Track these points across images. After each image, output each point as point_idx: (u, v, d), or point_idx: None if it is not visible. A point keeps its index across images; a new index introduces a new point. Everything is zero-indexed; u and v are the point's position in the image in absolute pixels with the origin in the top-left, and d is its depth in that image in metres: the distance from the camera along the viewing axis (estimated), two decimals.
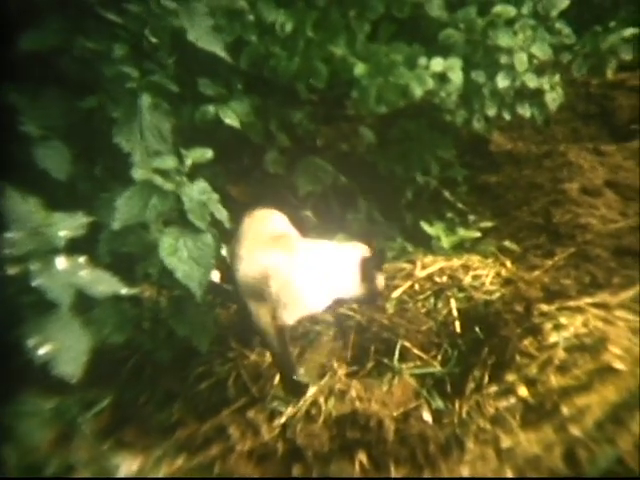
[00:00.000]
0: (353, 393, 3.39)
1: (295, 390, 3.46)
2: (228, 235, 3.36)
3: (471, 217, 4.72)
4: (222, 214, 3.15)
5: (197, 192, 3.03)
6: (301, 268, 3.49)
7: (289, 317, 3.47)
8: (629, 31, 4.97)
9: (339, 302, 3.75)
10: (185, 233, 3.02)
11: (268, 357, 3.65)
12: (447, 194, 4.95)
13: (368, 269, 3.67)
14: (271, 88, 4.45)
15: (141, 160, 3.10)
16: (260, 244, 3.54)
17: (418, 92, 4.07)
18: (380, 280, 3.74)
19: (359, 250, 3.72)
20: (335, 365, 3.61)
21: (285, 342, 3.48)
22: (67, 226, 2.70)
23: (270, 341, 3.48)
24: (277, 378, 3.55)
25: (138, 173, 2.99)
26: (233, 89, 4.10)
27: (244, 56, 4.12)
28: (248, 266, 3.47)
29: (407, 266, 4.17)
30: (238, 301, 3.69)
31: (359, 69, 4.05)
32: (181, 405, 3.50)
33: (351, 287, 3.67)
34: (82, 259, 2.73)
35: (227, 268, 3.69)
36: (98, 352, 2.80)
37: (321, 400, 3.36)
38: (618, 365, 3.04)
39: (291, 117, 4.67)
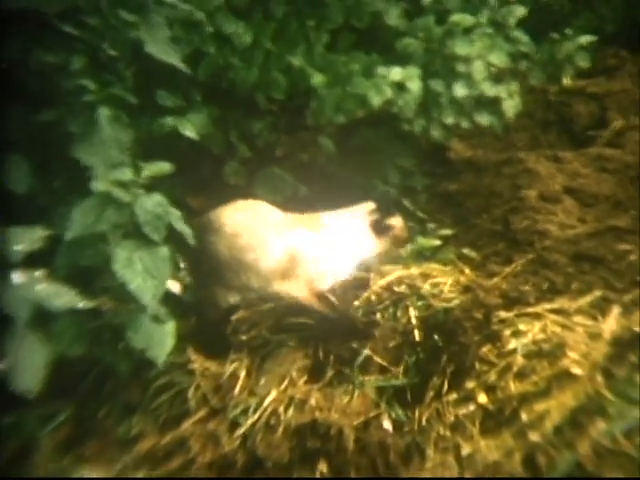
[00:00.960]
0: (313, 402, 3.43)
1: (364, 335, 3.71)
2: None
3: (431, 225, 4.72)
4: (180, 226, 3.17)
5: (153, 205, 3.05)
6: (325, 241, 4.04)
7: (322, 286, 4.01)
8: (585, 38, 5.03)
9: (365, 262, 4.17)
10: (140, 246, 3.04)
11: (228, 368, 3.69)
12: (407, 203, 4.97)
13: (379, 224, 4.19)
14: (231, 99, 4.45)
15: (100, 173, 3.10)
16: (280, 227, 3.98)
17: (376, 101, 4.11)
18: (397, 223, 4.28)
19: (363, 210, 4.22)
20: (295, 375, 3.63)
21: (332, 303, 3.94)
22: (24, 240, 2.71)
23: (317, 309, 3.92)
24: (238, 388, 3.58)
25: (97, 185, 2.99)
26: (192, 100, 4.12)
27: (202, 67, 4.14)
28: (272, 250, 3.90)
29: (365, 275, 4.15)
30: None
31: (317, 79, 4.09)
32: (141, 418, 3.49)
33: (371, 245, 4.19)
34: (39, 273, 2.74)
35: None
36: (57, 366, 2.81)
37: (281, 410, 3.40)
38: (576, 370, 3.08)
39: (251, 128, 4.68)
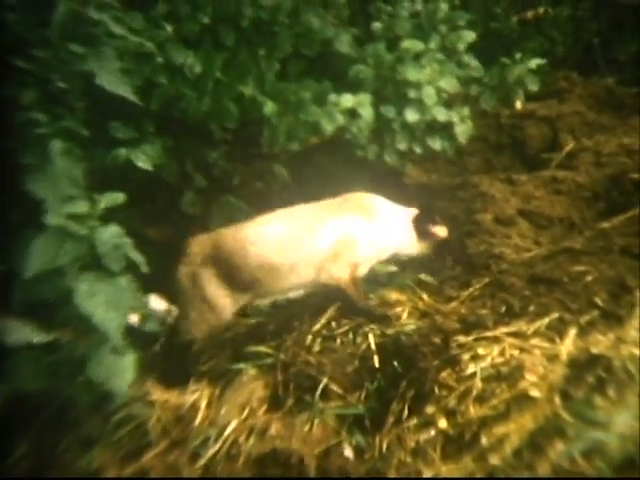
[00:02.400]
0: (273, 431, 3.46)
1: (383, 320, 3.98)
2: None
3: None
4: (137, 257, 3.19)
5: (110, 236, 3.07)
6: (374, 230, 4.25)
7: (362, 271, 4.29)
8: (535, 62, 5.13)
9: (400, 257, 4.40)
10: (100, 278, 3.06)
11: (188, 398, 3.72)
12: None
13: (422, 227, 4.36)
14: (185, 129, 4.51)
15: (54, 206, 3.12)
16: (326, 213, 4.27)
17: (329, 129, 4.17)
18: (440, 232, 4.43)
19: (410, 212, 4.40)
20: (255, 404, 3.65)
21: (360, 291, 4.19)
22: None
23: (347, 293, 4.18)
24: (199, 419, 3.61)
25: (51, 219, 3.01)
26: (145, 132, 4.15)
27: (154, 98, 4.18)
28: (321, 236, 4.21)
29: (324, 304, 4.18)
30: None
31: (268, 108, 4.14)
32: (102, 451, 3.50)
33: (412, 245, 4.43)
34: None
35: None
36: (15, 400, 2.82)
37: (241, 440, 3.42)
38: (534, 393, 3.09)
39: (206, 157, 4.75)
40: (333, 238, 4.21)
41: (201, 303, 4.22)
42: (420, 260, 4.53)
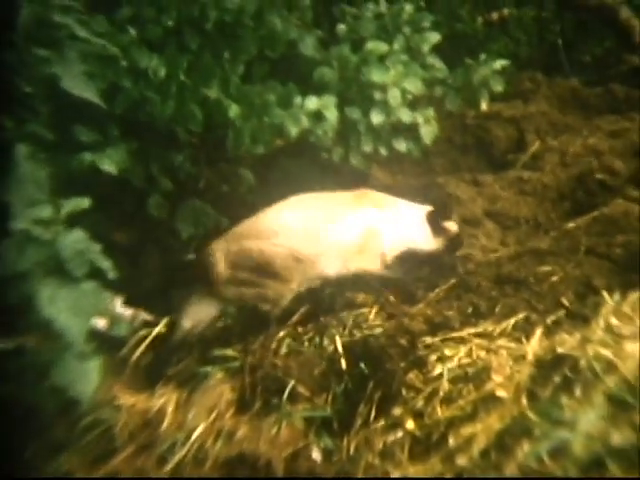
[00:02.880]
0: (241, 434, 3.46)
1: (410, 299, 4.17)
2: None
3: None
4: (103, 262, 3.19)
5: (74, 241, 3.07)
6: (390, 222, 4.33)
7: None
8: (499, 63, 5.17)
9: (414, 255, 4.43)
10: (64, 283, 3.05)
11: (156, 402, 3.71)
12: None
13: (437, 223, 4.39)
14: (150, 132, 4.50)
15: (19, 210, 3.11)
16: (347, 205, 4.30)
17: (293, 131, 4.18)
18: (452, 228, 4.44)
19: (424, 209, 4.45)
20: (223, 407, 3.65)
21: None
22: None
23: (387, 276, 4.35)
24: (166, 423, 3.59)
25: (16, 224, 3.01)
26: (110, 135, 4.14)
27: (119, 102, 4.18)
28: (345, 229, 4.25)
29: (291, 305, 4.21)
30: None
31: (233, 111, 4.14)
32: (69, 456, 3.47)
33: (426, 240, 4.42)
34: None
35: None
36: None
37: (208, 443, 3.42)
38: (501, 393, 3.09)
39: (172, 160, 4.71)
40: (359, 230, 4.26)
41: (257, 286, 4.21)
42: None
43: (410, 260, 4.42)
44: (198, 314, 4.24)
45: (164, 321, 4.24)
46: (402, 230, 4.40)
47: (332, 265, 4.23)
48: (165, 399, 3.73)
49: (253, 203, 4.86)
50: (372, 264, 4.31)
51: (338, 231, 4.22)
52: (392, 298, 4.20)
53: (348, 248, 4.23)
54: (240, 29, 4.41)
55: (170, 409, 3.67)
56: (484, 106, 5.21)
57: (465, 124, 6.03)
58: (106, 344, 3.78)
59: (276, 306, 4.19)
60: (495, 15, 8.84)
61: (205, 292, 4.22)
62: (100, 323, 3.75)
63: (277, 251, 4.11)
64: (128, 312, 4.27)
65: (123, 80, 4.17)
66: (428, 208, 4.46)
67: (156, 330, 4.18)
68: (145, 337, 4.14)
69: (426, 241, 4.44)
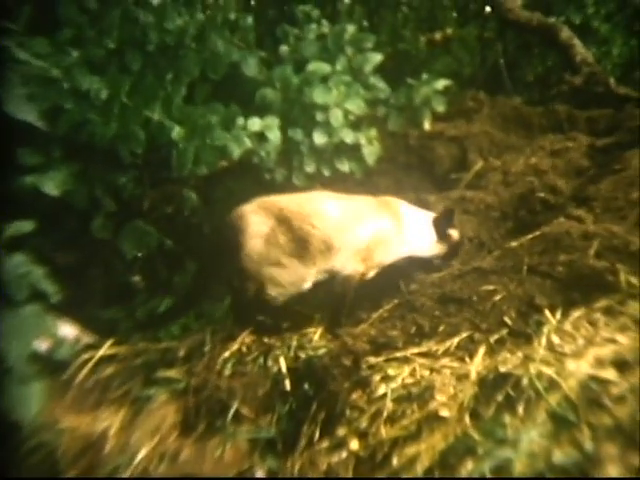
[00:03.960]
0: (185, 456, 3.47)
1: (339, 325, 4.16)
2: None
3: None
4: (46, 285, 3.19)
5: (15, 265, 3.07)
6: (399, 232, 4.39)
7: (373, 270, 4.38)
8: (441, 83, 5.23)
9: (416, 259, 4.51)
10: (4, 307, 3.05)
11: (99, 426, 3.68)
12: None
13: (442, 230, 4.51)
14: (93, 154, 4.47)
15: None
16: (368, 208, 4.38)
17: (236, 152, 4.21)
18: (454, 235, 4.57)
19: (430, 214, 4.58)
20: (167, 429, 3.65)
21: (352, 289, 4.28)
22: None
23: (344, 288, 4.28)
24: (109, 446, 3.58)
25: None
26: (52, 157, 4.13)
27: (61, 123, 4.17)
28: (363, 229, 4.30)
29: (235, 328, 4.22)
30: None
31: (176, 132, 4.15)
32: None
33: (432, 245, 4.52)
34: None
35: None
36: None
37: (152, 466, 3.43)
38: (444, 412, 3.14)
39: (116, 181, 4.70)
40: (369, 234, 4.33)
41: (280, 267, 4.21)
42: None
43: (411, 265, 4.54)
44: None
45: (107, 343, 4.21)
46: (410, 238, 4.48)
47: (344, 262, 4.29)
48: (108, 422, 3.72)
49: (197, 224, 4.87)
50: (363, 268, 4.35)
51: (359, 233, 4.30)
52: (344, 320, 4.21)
53: (357, 249, 4.30)
54: (182, 51, 4.44)
55: (113, 432, 3.66)
56: (427, 126, 5.27)
57: (408, 144, 6.07)
58: (49, 367, 3.78)
59: (283, 294, 4.21)
60: (438, 35, 8.96)
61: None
62: (43, 346, 3.74)
63: (314, 233, 4.18)
64: (72, 334, 4.25)
65: (65, 102, 4.16)
66: (435, 214, 4.62)
67: (100, 352, 4.15)
68: (89, 360, 4.11)
69: (430, 247, 4.56)
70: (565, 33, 7.89)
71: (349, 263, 4.27)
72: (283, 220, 4.14)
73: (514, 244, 4.43)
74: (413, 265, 4.51)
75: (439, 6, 9.45)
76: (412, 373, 3.47)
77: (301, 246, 4.14)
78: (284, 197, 4.27)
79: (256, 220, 4.15)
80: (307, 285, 4.23)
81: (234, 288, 4.22)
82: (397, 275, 4.46)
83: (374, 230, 4.31)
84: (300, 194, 4.37)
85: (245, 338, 4.14)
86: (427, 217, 4.58)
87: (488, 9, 8.91)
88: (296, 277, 4.17)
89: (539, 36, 8.32)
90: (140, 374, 4.03)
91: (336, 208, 4.27)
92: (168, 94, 4.30)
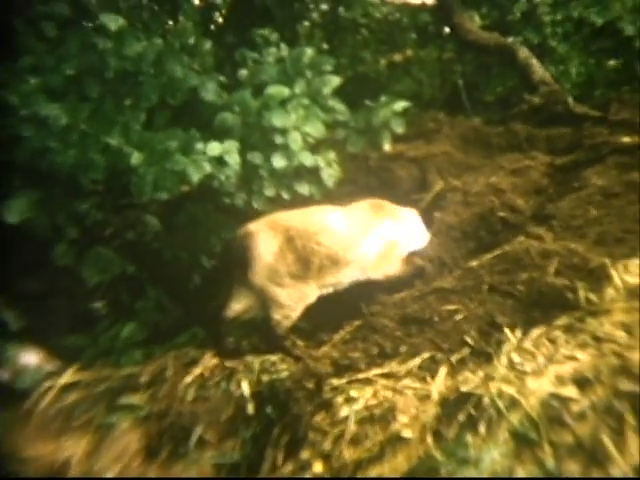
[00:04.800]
0: None
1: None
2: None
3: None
4: (5, 313, 3.18)
5: None
6: (402, 230, 4.69)
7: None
8: (400, 104, 5.25)
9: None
10: None
11: (62, 454, 3.69)
12: None
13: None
14: (54, 181, 4.47)
15: None
16: (371, 218, 4.60)
17: (196, 177, 4.21)
18: None
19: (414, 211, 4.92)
20: (130, 456, 3.66)
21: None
22: None
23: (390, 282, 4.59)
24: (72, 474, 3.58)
25: None
26: (11, 185, 4.12)
27: (20, 151, 4.17)
28: (372, 240, 4.53)
29: (196, 352, 4.27)
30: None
31: (135, 158, 4.15)
32: None
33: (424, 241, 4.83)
34: None
35: None
36: None
37: None
38: (407, 434, 3.19)
39: (77, 208, 4.72)
40: (382, 242, 4.55)
41: (288, 288, 4.29)
42: None
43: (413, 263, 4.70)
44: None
45: (70, 370, 4.19)
46: (411, 237, 4.76)
47: (352, 274, 4.48)
48: (72, 449, 3.72)
49: (159, 249, 4.87)
50: (392, 269, 4.62)
51: (368, 244, 4.49)
52: (299, 341, 4.21)
53: (371, 259, 4.51)
54: (141, 77, 4.43)
55: (77, 459, 3.65)
56: (387, 147, 5.30)
57: (369, 165, 6.12)
58: (11, 396, 3.77)
59: (287, 317, 4.30)
60: (398, 57, 9.01)
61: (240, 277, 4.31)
62: (4, 375, 3.72)
63: (318, 250, 4.30)
64: (34, 362, 4.24)
65: (23, 129, 4.14)
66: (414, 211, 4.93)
67: (62, 380, 4.14)
68: (51, 387, 4.09)
69: (424, 241, 4.88)
70: (523, 53, 7.97)
71: (366, 271, 4.53)
72: (290, 239, 4.24)
73: (475, 263, 4.48)
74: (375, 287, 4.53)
75: (398, 28, 9.52)
76: (375, 394, 3.51)
77: (304, 265, 4.26)
78: (290, 214, 4.40)
79: (265, 238, 4.22)
80: (310, 301, 4.36)
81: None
82: (358, 296, 4.45)
83: (385, 238, 4.57)
84: (305, 210, 4.50)
85: (208, 362, 4.12)
86: (414, 214, 4.89)
87: (447, 30, 8.97)
88: (297, 297, 4.27)
89: (498, 56, 8.41)
90: (103, 401, 4.03)
91: (340, 223, 4.43)
92: (127, 120, 4.30)
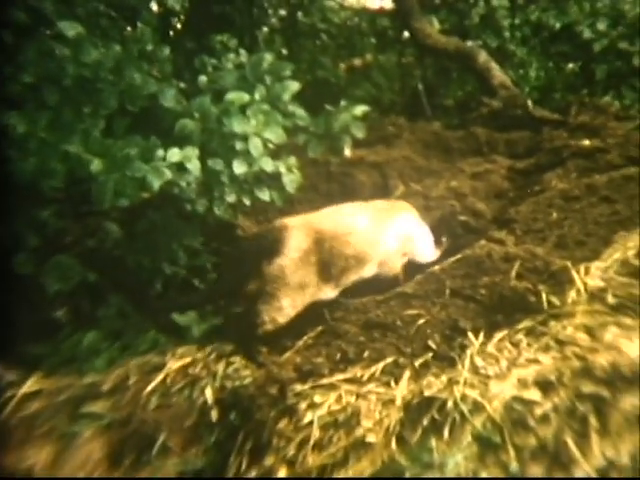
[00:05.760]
0: None
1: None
2: None
3: (222, 303, 4.80)
4: None
5: None
6: (421, 226, 4.92)
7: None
8: (360, 109, 5.25)
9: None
10: None
11: (23, 465, 3.66)
12: (196, 282, 5.05)
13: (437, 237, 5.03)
14: (13, 189, 4.45)
15: None
16: (387, 214, 4.78)
17: (156, 184, 4.19)
18: (445, 243, 5.13)
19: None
20: (93, 465, 3.64)
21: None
22: None
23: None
24: None
25: None
26: None
27: None
28: (390, 236, 4.69)
29: (159, 359, 4.25)
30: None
31: (95, 165, 4.12)
32: None
33: (432, 249, 5.00)
34: None
35: None
36: None
37: None
38: (371, 438, 3.23)
39: (37, 216, 4.71)
40: (399, 237, 4.71)
41: (297, 289, 4.35)
42: None
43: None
44: None
45: (31, 380, 4.17)
46: (427, 236, 4.99)
47: (371, 270, 4.62)
48: (34, 459, 3.70)
49: (120, 256, 4.86)
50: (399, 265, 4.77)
51: (385, 240, 4.64)
52: (262, 347, 4.21)
53: (389, 254, 4.67)
54: (99, 84, 4.41)
55: (39, 469, 3.64)
56: (348, 152, 5.30)
57: (330, 171, 6.16)
58: None
59: (274, 321, 4.34)
60: (358, 61, 9.05)
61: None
62: None
63: (345, 252, 4.45)
64: None
65: None
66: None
67: (23, 389, 4.11)
68: (12, 397, 4.07)
69: (432, 252, 5.03)
70: (482, 57, 8.06)
71: (384, 267, 4.67)
72: (319, 241, 4.38)
73: (436, 268, 4.49)
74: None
75: (357, 33, 9.56)
76: (338, 400, 3.55)
77: (325, 269, 4.40)
78: (322, 215, 4.64)
79: (297, 235, 4.36)
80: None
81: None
82: (321, 302, 4.47)
83: (401, 232, 4.75)
84: (335, 209, 4.74)
85: (170, 369, 4.12)
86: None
87: (406, 35, 9.01)
88: (296, 304, 4.37)
89: (457, 61, 8.49)
90: (65, 409, 4.01)
91: (363, 222, 4.57)
92: (86, 128, 4.28)
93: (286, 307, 4.30)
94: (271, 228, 4.58)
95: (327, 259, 4.40)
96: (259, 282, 4.36)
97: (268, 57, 5.17)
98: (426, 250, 4.95)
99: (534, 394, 3.14)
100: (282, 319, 4.30)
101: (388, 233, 4.68)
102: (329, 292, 4.49)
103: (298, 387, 3.72)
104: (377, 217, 4.69)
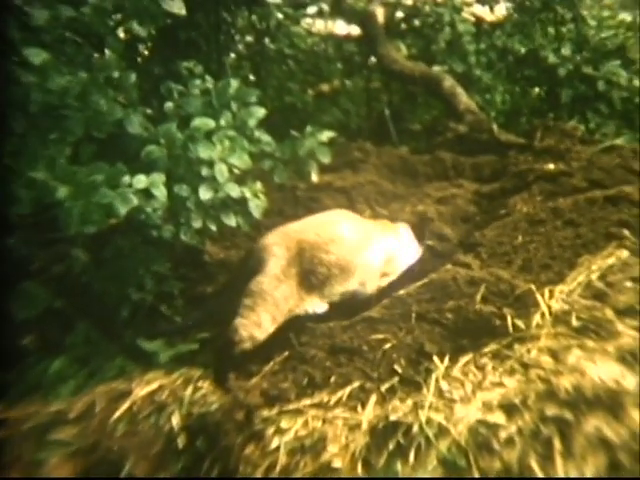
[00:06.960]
0: None
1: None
2: None
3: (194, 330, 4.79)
4: None
5: None
6: (400, 246, 4.98)
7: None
8: (325, 134, 5.29)
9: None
10: None
11: None
12: (164, 308, 5.05)
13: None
14: None
15: None
16: (375, 230, 4.88)
17: (122, 210, 4.20)
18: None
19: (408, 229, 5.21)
20: None
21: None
22: None
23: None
24: None
25: None
26: None
27: None
28: (375, 252, 4.77)
29: (126, 385, 4.22)
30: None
31: (61, 192, 4.12)
32: None
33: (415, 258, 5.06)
34: None
35: None
36: None
37: None
38: (337, 463, 3.24)
39: (3, 243, 4.69)
40: (383, 256, 4.80)
41: (277, 305, 4.40)
42: None
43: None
44: None
45: None
46: (407, 252, 5.07)
47: (352, 284, 4.66)
48: None
49: (87, 283, 4.85)
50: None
51: (369, 254, 4.71)
52: (230, 374, 4.22)
53: (372, 271, 4.73)
54: (65, 110, 4.41)
55: None
56: (314, 177, 5.32)
57: (296, 196, 6.19)
58: None
59: (252, 338, 4.35)
60: (325, 87, 9.10)
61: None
62: None
63: (328, 259, 4.51)
64: None
65: None
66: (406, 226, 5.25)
67: None
68: None
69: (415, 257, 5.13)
70: (448, 82, 8.14)
71: (365, 285, 4.72)
72: (300, 252, 4.46)
73: (402, 292, 4.50)
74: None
75: (325, 59, 9.61)
76: (305, 425, 3.58)
77: (307, 279, 4.47)
78: (303, 225, 4.76)
79: (277, 252, 4.44)
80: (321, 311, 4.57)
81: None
82: (287, 327, 4.47)
83: (386, 252, 4.83)
84: (317, 218, 4.91)
85: (136, 396, 4.12)
86: (408, 229, 5.24)
87: (373, 60, 9.07)
88: (275, 320, 4.41)
89: (423, 86, 8.56)
90: (32, 437, 3.99)
91: (350, 230, 4.66)
92: (52, 154, 4.28)
93: (264, 321, 4.32)
94: (251, 250, 4.70)
95: (308, 268, 4.45)
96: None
97: (234, 83, 5.21)
98: (408, 262, 5.05)
99: (499, 417, 3.17)
100: (260, 335, 4.31)
101: (373, 247, 4.76)
102: (316, 304, 4.53)
103: (265, 413, 3.73)
104: (364, 229, 4.79)
